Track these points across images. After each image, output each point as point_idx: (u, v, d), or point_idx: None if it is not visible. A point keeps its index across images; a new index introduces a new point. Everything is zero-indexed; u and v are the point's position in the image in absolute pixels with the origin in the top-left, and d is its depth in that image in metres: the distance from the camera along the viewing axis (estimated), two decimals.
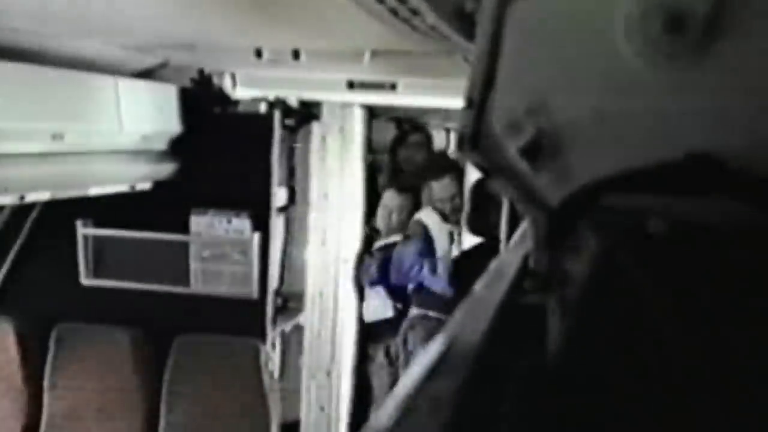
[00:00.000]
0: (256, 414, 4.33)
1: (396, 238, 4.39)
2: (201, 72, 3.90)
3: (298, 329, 4.56)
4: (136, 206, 4.18)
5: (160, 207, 4.24)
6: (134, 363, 4.40)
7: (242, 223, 4.28)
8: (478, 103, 0.78)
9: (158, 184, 4.14)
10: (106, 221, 4.42)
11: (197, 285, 4.37)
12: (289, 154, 4.49)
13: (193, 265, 4.36)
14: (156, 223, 4.35)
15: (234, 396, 4.35)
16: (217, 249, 4.33)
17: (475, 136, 0.81)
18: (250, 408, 4.33)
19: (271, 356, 4.37)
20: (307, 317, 4.59)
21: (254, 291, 4.37)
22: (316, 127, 4.52)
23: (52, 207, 4.23)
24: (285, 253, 4.56)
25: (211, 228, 4.32)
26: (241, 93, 4.03)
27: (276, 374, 4.41)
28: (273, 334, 4.37)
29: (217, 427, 4.35)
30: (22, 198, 3.38)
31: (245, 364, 4.33)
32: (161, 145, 4.04)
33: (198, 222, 4.32)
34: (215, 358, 4.36)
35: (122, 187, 3.87)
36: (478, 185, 4.21)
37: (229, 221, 4.29)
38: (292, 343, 4.57)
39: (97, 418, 4.43)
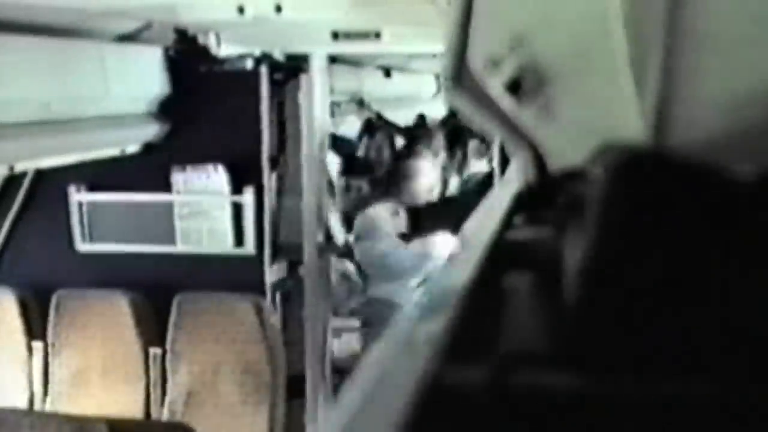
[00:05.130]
0: (261, 369, 4.33)
1: None
2: (185, 32, 3.87)
3: (299, 282, 4.58)
4: (127, 170, 4.17)
5: (151, 169, 4.22)
6: (135, 325, 4.38)
7: (221, 178, 4.22)
8: (459, 42, 0.77)
9: (149, 146, 4.13)
10: (99, 186, 4.39)
11: (183, 244, 4.35)
12: (279, 108, 4.47)
13: (177, 224, 4.32)
14: (149, 185, 4.32)
15: (238, 352, 4.35)
16: (198, 206, 4.29)
17: (459, 77, 0.80)
18: (254, 363, 4.34)
19: (273, 311, 4.39)
20: (307, 269, 4.61)
21: (251, 246, 4.35)
22: (304, 80, 4.50)
23: (43, 175, 4.24)
24: (279, 207, 4.55)
25: (189, 183, 4.26)
26: (226, 51, 4.01)
27: (278, 328, 4.43)
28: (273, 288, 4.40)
29: (222, 383, 4.36)
30: (11, 168, 3.37)
31: (247, 320, 4.32)
32: (149, 107, 4.02)
33: (177, 180, 4.27)
34: (217, 315, 4.35)
35: (112, 151, 3.86)
36: None
37: (208, 177, 4.23)
38: (293, 296, 4.60)
39: (103, 383, 4.44)
